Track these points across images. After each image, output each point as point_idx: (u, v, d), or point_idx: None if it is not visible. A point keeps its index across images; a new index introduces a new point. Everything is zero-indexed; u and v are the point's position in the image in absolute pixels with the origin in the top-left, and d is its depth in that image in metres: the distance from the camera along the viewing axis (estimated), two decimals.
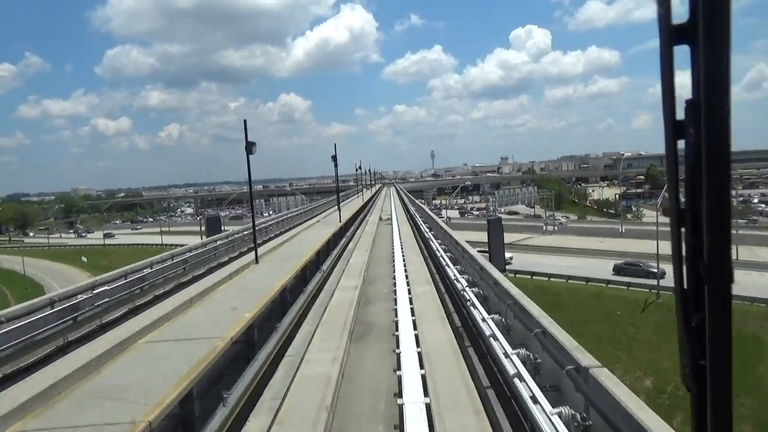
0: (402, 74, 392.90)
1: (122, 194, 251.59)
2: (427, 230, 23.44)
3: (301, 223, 35.65)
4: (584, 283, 48.69)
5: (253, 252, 15.68)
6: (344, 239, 26.83)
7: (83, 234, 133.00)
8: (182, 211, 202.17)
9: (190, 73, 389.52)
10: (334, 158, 29.69)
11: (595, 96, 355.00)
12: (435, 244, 18.45)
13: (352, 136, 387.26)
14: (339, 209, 30.54)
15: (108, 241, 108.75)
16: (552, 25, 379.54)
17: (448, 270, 13.78)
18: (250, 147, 14.80)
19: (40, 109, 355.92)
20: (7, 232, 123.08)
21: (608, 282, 48.05)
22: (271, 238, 27.03)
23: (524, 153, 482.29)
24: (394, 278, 15.63)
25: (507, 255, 57.22)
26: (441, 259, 15.44)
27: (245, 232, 29.54)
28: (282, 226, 33.79)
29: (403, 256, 19.35)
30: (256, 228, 28.84)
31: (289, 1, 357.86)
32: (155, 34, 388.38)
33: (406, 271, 16.21)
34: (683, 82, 1.15)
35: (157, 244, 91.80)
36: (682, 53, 1.13)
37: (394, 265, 17.51)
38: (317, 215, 39.93)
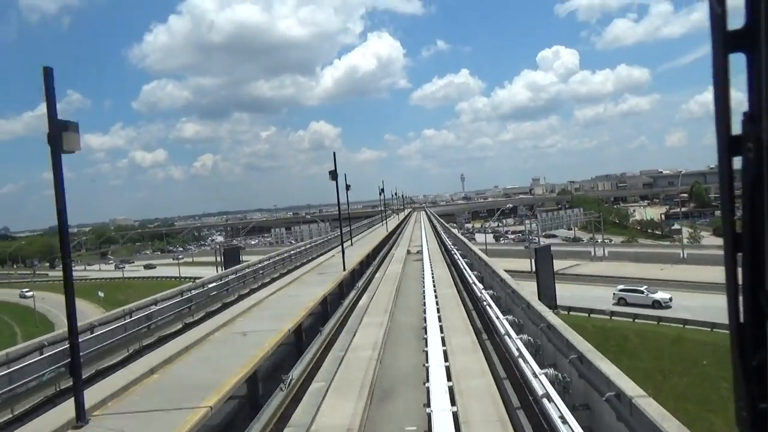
0: (430, 99, 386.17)
1: (156, 223, 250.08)
2: (475, 280, 15.48)
3: (295, 268, 27.60)
4: (656, 323, 39.75)
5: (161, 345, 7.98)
6: (354, 292, 19.00)
7: (121, 266, 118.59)
8: (212, 240, 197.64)
9: (223, 105, 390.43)
10: (334, 174, 21.56)
11: (626, 114, 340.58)
12: (498, 318, 10.43)
13: (382, 161, 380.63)
14: (343, 250, 22.11)
15: (130, 274, 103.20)
16: (579, 45, 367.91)
17: (550, 411, 5.90)
18: (59, 132, 7.17)
19: (81, 144, 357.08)
20: (32, 266, 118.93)
21: (686, 322, 38.95)
22: (213, 312, 17.80)
23: (555, 173, 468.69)
24: (428, 383, 7.99)
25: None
26: (521, 362, 7.49)
27: (208, 285, 21.84)
28: (266, 274, 25.73)
29: (441, 328, 11.53)
30: (219, 282, 20.65)
31: (317, 32, 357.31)
32: (189, 68, 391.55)
33: (448, 371, 8.43)
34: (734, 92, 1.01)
35: (173, 277, 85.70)
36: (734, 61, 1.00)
37: (426, 352, 9.80)
38: (330, 250, 32.55)
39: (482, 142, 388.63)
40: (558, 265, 63.31)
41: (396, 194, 57.64)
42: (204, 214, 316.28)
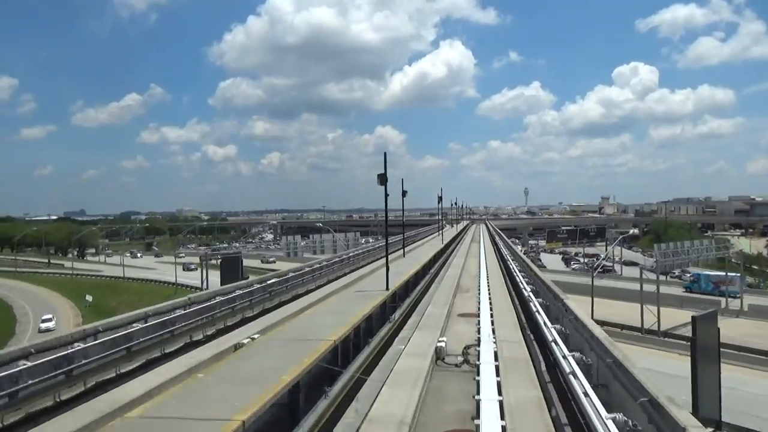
0: (498, 110, 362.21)
1: (221, 217, 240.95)
2: None
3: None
4: None
5: None
6: None
7: (191, 267, 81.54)
8: (261, 238, 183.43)
9: (293, 105, 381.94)
10: None
11: (705, 137, 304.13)
12: None
13: (444, 170, 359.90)
14: None
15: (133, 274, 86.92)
16: (659, 63, 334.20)
17: None
18: None
19: (159, 136, 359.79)
20: (48, 254, 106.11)
21: None
22: None
23: (624, 193, 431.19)
24: None
25: None
26: None
27: None
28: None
29: None
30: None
31: (390, 38, 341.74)
32: (263, 67, 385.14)
33: None
34: None
35: (164, 282, 68.49)
36: None
37: None
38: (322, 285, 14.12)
39: (549, 156, 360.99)
40: (670, 315, 41.57)
41: (440, 202, 36.44)
42: (266, 210, 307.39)
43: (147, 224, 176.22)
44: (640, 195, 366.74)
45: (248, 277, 39.42)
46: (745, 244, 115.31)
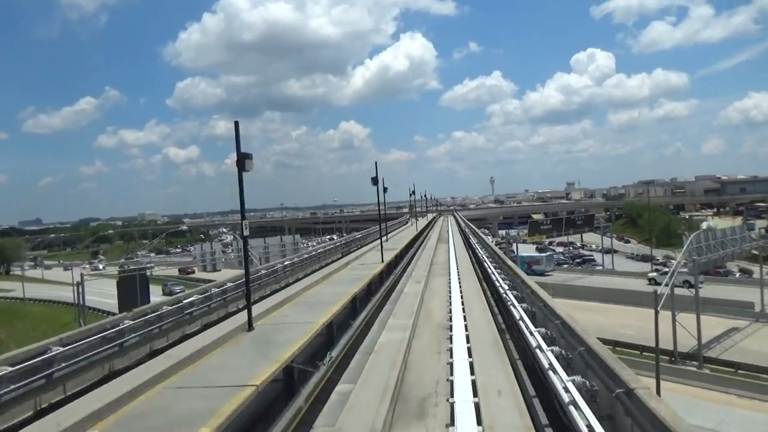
0: (460, 100, 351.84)
1: (165, 220, 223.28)
2: None
3: None
4: None
5: None
6: None
7: (176, 292, 67.95)
8: (220, 240, 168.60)
9: (254, 103, 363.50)
10: None
11: (662, 120, 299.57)
12: None
13: (410, 162, 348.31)
14: None
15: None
16: (615, 48, 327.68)
17: None
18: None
19: (117, 139, 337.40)
20: None
21: None
22: None
23: (587, 178, 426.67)
24: None
25: None
26: None
27: None
28: None
29: None
30: None
31: (350, 32, 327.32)
32: (222, 66, 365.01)
33: None
34: None
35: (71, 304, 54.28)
36: None
37: None
38: None
39: (513, 145, 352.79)
40: (690, 320, 30.58)
41: (385, 191, 24.46)
42: (231, 210, 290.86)
43: (94, 231, 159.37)
44: (603, 179, 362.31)
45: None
46: (722, 224, 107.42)
